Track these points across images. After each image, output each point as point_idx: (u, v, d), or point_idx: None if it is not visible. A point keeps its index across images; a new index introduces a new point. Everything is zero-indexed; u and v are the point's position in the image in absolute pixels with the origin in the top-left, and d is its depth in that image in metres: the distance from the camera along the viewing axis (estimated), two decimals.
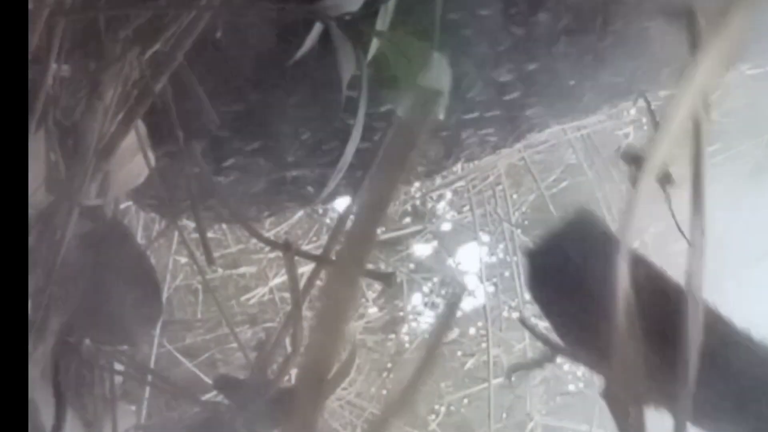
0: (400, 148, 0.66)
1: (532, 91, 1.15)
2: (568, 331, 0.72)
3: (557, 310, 0.71)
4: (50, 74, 0.79)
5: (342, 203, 1.43)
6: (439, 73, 0.77)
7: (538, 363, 0.73)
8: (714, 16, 0.63)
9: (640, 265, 0.64)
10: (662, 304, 0.64)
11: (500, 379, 2.07)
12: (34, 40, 0.72)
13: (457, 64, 0.83)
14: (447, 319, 0.83)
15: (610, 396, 0.61)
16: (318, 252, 0.96)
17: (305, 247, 1.89)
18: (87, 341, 0.99)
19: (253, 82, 1.05)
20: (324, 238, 1.98)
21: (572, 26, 1.09)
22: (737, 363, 0.64)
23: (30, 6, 0.69)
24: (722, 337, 0.64)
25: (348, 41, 0.80)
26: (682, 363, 0.59)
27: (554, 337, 0.74)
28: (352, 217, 0.93)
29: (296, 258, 0.82)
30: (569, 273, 0.70)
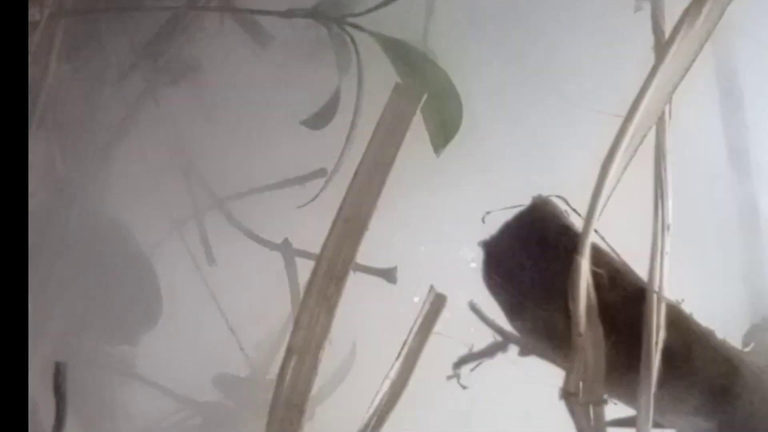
0: (384, 143, 0.66)
1: None
2: (521, 321, 0.67)
3: (510, 299, 0.67)
4: (50, 74, 0.79)
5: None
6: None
7: (488, 353, 0.70)
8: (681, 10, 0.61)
9: (602, 261, 0.63)
10: (624, 301, 0.62)
11: None
12: (34, 40, 0.71)
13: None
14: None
15: (568, 394, 0.59)
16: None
17: (304, 247, 1.88)
18: (87, 341, 0.99)
19: None
20: None
21: None
22: (700, 361, 0.63)
23: (30, 6, 0.69)
24: (685, 335, 0.63)
25: (346, 42, 0.80)
26: (645, 360, 0.59)
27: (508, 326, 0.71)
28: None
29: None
30: (522, 262, 0.66)
